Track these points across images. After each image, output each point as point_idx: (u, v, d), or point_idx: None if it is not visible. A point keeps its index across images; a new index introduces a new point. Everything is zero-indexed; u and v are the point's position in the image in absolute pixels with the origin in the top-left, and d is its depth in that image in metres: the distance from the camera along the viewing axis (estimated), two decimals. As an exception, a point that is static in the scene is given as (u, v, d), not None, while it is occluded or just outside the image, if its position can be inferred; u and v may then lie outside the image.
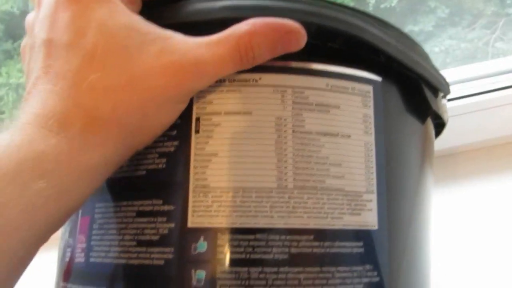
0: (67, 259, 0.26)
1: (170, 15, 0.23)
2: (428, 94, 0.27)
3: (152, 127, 0.22)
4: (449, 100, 0.48)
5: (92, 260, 0.24)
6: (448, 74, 0.52)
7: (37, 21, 0.23)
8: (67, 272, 0.26)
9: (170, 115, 0.22)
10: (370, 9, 0.69)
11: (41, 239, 0.20)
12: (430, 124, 0.30)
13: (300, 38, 0.22)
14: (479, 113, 0.48)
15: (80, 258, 0.25)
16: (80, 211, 0.26)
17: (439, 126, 0.32)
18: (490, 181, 0.47)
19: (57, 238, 0.28)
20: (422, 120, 0.28)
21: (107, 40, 0.21)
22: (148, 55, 0.21)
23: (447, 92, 0.28)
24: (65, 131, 0.19)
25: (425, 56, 0.27)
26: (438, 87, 0.27)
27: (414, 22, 0.67)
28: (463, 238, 0.43)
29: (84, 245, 0.25)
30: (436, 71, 0.28)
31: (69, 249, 0.26)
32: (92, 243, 0.24)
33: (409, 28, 0.67)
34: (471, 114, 0.48)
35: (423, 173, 0.28)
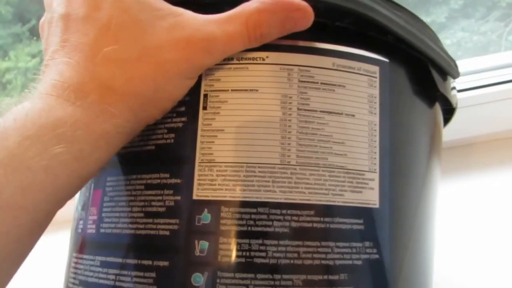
0: (79, 231, 0.27)
1: None
2: (436, 76, 0.27)
3: (162, 100, 0.23)
4: (463, 90, 0.48)
5: (102, 231, 0.25)
6: (462, 64, 0.52)
7: None
8: (79, 243, 0.27)
9: (179, 90, 0.23)
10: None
11: (59, 202, 0.21)
12: (438, 109, 0.30)
13: (308, 16, 0.22)
14: (493, 104, 0.48)
15: (91, 229, 0.26)
16: (92, 185, 0.27)
17: (448, 112, 0.32)
18: (503, 172, 0.46)
19: (63, 222, 0.30)
20: (430, 103, 0.28)
21: (121, 14, 0.21)
22: (160, 30, 0.21)
23: (456, 75, 0.28)
24: (81, 101, 0.20)
25: (435, 39, 0.27)
26: (447, 70, 0.27)
27: (426, 13, 0.66)
28: (478, 229, 0.43)
29: (95, 217, 0.26)
30: (446, 54, 0.28)
31: (81, 222, 0.27)
32: (103, 214, 0.25)
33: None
34: (485, 105, 0.48)
35: (431, 157, 0.28)
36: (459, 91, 0.48)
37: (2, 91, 0.71)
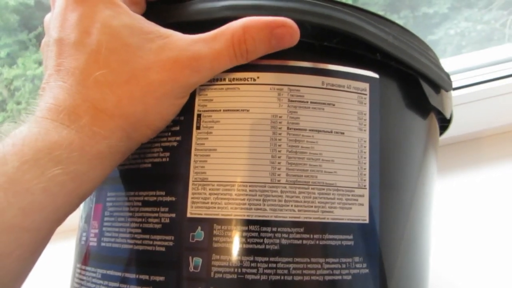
0: (82, 243, 0.28)
1: (172, 14, 0.25)
2: (428, 90, 0.27)
3: (154, 120, 0.23)
4: (473, 84, 0.48)
5: (103, 244, 0.26)
6: (468, 58, 0.51)
7: (51, 21, 0.24)
8: (83, 255, 0.28)
9: (170, 109, 0.23)
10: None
11: (59, 220, 0.22)
12: (433, 120, 0.30)
13: (293, 33, 0.23)
14: (501, 97, 0.48)
15: (93, 242, 0.27)
16: (94, 199, 0.28)
17: (444, 120, 0.32)
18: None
19: (72, 230, 0.31)
20: (423, 116, 0.28)
21: (110, 39, 0.22)
22: (148, 52, 0.22)
23: (448, 88, 0.28)
24: (74, 124, 0.21)
25: (426, 52, 0.27)
26: (439, 83, 0.27)
27: (429, 4, 0.66)
28: (487, 224, 0.43)
29: (97, 231, 0.27)
30: (438, 66, 0.28)
31: (84, 234, 0.28)
32: (104, 229, 0.26)
33: (423, 10, 0.66)
34: (493, 98, 0.48)
35: (424, 167, 0.29)
36: (466, 86, 0.49)
37: (11, 98, 0.72)
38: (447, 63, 0.52)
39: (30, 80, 0.71)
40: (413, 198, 0.27)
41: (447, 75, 0.29)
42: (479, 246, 0.42)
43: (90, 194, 0.23)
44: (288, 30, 0.23)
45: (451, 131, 0.36)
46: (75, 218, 0.34)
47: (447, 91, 0.29)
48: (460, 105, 0.48)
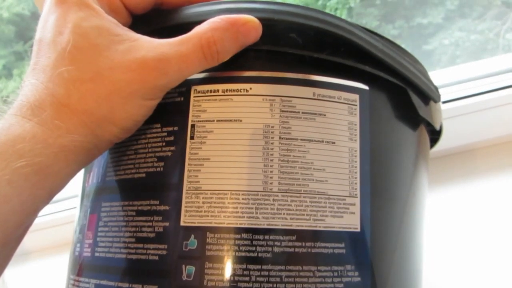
0: (76, 254, 0.28)
1: (152, 21, 0.26)
2: (416, 101, 0.28)
3: (121, 119, 0.23)
4: (469, 96, 0.49)
5: (97, 254, 0.26)
6: (465, 69, 0.52)
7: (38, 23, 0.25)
8: (77, 266, 0.28)
9: (139, 110, 0.24)
10: (377, 2, 0.69)
11: (28, 215, 0.22)
12: (423, 131, 0.30)
13: (256, 27, 0.24)
14: (498, 109, 0.49)
15: (87, 252, 0.27)
16: (89, 209, 0.28)
17: (435, 132, 0.33)
18: (505, 177, 0.47)
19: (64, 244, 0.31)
20: (413, 126, 0.29)
21: (78, 38, 0.23)
22: (115, 53, 0.23)
23: (437, 99, 0.29)
24: (37, 117, 0.22)
25: (415, 64, 0.28)
26: (428, 94, 0.28)
27: (423, 14, 0.67)
28: (481, 235, 0.43)
29: (91, 241, 0.27)
30: (427, 78, 0.29)
31: (78, 245, 0.28)
32: (98, 239, 0.26)
33: (418, 21, 0.67)
34: (490, 110, 0.49)
35: (414, 177, 0.29)
36: (460, 98, 0.49)
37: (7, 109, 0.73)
38: (440, 75, 0.53)
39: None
40: (405, 208, 0.28)
41: (435, 87, 0.29)
42: (472, 258, 0.42)
43: (59, 189, 0.23)
44: (252, 25, 0.24)
45: (444, 143, 0.37)
46: (69, 232, 0.34)
47: (436, 102, 0.29)
48: (454, 117, 0.49)
